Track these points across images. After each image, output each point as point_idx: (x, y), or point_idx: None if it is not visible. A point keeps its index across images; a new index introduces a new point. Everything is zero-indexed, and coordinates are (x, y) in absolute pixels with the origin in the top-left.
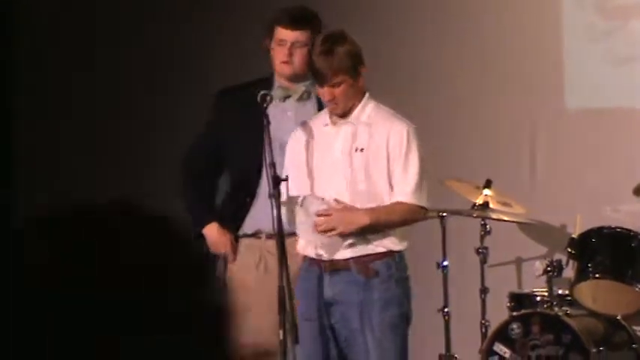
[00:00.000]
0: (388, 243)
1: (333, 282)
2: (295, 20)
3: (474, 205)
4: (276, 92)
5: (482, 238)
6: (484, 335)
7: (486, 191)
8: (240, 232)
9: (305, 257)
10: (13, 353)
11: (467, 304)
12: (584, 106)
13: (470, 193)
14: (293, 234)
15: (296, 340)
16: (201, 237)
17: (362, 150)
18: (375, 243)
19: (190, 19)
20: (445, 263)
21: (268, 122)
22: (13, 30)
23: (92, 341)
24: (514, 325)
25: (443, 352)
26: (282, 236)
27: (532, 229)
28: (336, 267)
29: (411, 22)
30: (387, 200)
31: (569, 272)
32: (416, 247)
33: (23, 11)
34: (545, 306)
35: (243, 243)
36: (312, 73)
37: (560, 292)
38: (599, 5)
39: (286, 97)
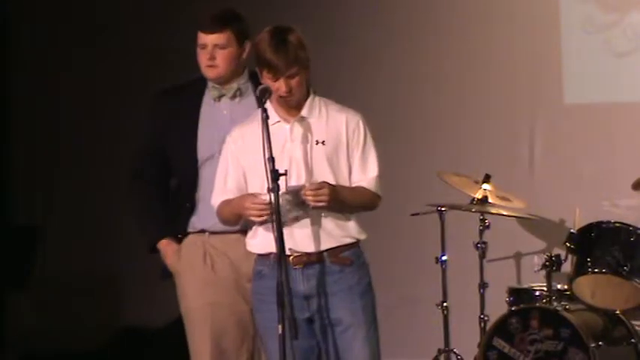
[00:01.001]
0: (354, 233)
1: (306, 276)
2: (214, 23)
3: (473, 199)
4: (211, 92)
5: (481, 232)
6: (483, 330)
7: (485, 186)
8: (185, 232)
9: (264, 255)
10: None
11: (466, 299)
12: (583, 100)
13: (469, 188)
14: (238, 232)
15: (295, 336)
16: (155, 250)
17: (323, 142)
18: (343, 234)
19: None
20: (444, 258)
21: (267, 117)
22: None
23: None
24: (513, 320)
25: (442, 346)
26: (280, 232)
27: (531, 223)
28: (309, 260)
29: (411, 18)
30: None
31: (568, 267)
32: (414, 241)
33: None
34: (544, 301)
35: (187, 240)
36: (264, 68)
37: (559, 286)
38: None
39: (220, 97)
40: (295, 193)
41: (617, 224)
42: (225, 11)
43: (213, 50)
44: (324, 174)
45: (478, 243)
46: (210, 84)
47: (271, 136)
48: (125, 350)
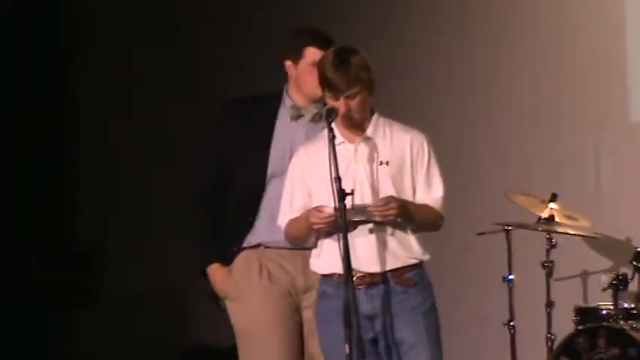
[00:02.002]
0: (418, 254)
1: (370, 296)
2: (328, 40)
3: (540, 218)
4: (289, 111)
5: (547, 251)
6: (550, 349)
7: (552, 205)
8: (240, 247)
9: (328, 276)
10: None
11: (533, 318)
12: None
13: (535, 207)
14: (295, 247)
15: (362, 355)
16: (204, 274)
17: (387, 163)
18: (407, 255)
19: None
20: (511, 277)
21: (334, 136)
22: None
23: None
24: (580, 339)
25: None
26: (347, 251)
27: (597, 242)
28: (373, 281)
29: (479, 36)
30: None
31: (635, 286)
32: (481, 260)
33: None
34: (610, 320)
35: (241, 256)
36: (326, 86)
37: (625, 305)
38: None
39: (298, 117)
40: (361, 211)
41: None
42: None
43: None
44: (388, 194)
45: (545, 262)
46: (288, 102)
47: (336, 157)
48: None
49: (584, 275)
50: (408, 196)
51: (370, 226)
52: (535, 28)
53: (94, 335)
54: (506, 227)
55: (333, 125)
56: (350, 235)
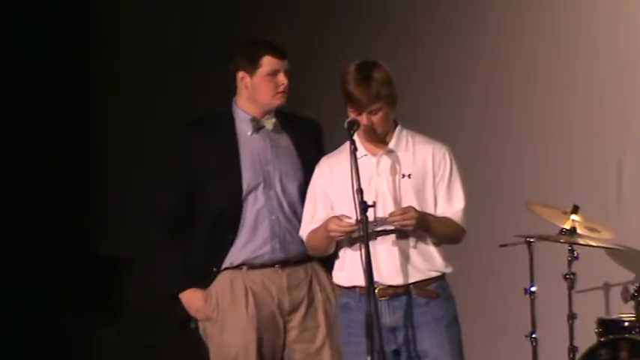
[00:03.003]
0: (440, 267)
1: (392, 308)
2: (282, 48)
3: (562, 230)
4: (251, 124)
5: (569, 263)
6: None
7: (574, 216)
8: (221, 267)
9: (350, 288)
10: None
11: (555, 330)
12: None
13: (557, 219)
14: (277, 263)
15: None
16: (175, 298)
17: (409, 176)
18: (429, 268)
19: None
20: (533, 289)
21: (356, 149)
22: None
23: None
24: (602, 351)
25: None
26: (369, 263)
27: (620, 254)
28: (396, 293)
29: (492, 42)
30: None
31: None
32: (503, 272)
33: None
34: (633, 331)
35: (222, 277)
36: (348, 101)
37: None
38: None
39: (260, 129)
40: (382, 224)
41: None
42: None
43: (287, 76)
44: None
45: (567, 274)
46: (243, 115)
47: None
48: None
49: (606, 287)
50: (430, 208)
51: (393, 238)
52: (559, 41)
53: (114, 345)
54: (528, 239)
55: (355, 137)
56: (372, 248)
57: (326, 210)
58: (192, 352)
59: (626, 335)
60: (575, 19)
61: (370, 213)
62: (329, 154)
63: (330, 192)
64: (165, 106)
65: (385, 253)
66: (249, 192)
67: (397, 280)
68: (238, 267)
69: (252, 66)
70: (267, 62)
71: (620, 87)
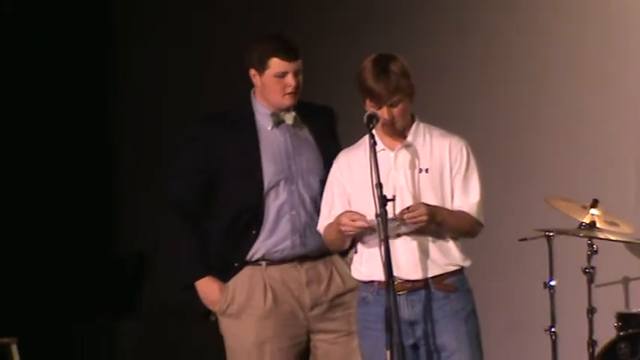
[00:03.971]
0: (459, 260)
1: (410, 302)
2: (293, 50)
3: (581, 224)
4: (271, 119)
5: (589, 257)
6: (591, 355)
7: (593, 211)
8: (242, 262)
9: (369, 282)
10: None
11: (574, 324)
12: None
13: (576, 213)
14: (295, 259)
15: None
16: (191, 287)
17: (427, 170)
18: (447, 262)
19: None
20: (552, 283)
21: (375, 143)
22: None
23: None
24: (622, 345)
25: None
26: (388, 257)
27: (639, 248)
28: (414, 287)
29: (512, 36)
30: None
31: None
32: (523, 266)
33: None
34: None
35: (243, 273)
36: (367, 95)
37: None
38: None
39: (279, 123)
40: (393, 223)
41: None
42: (289, 37)
43: (296, 77)
44: (428, 201)
45: (586, 268)
46: (262, 109)
47: (375, 164)
48: None
49: (626, 281)
50: (447, 202)
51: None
52: (578, 33)
53: (136, 343)
54: (547, 233)
55: (374, 132)
56: (390, 242)
57: (343, 205)
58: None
59: None
60: (599, 17)
61: (389, 207)
62: (347, 149)
63: (349, 186)
64: (185, 104)
65: (403, 247)
66: (271, 188)
67: (416, 274)
68: (257, 262)
69: (260, 67)
70: (275, 64)
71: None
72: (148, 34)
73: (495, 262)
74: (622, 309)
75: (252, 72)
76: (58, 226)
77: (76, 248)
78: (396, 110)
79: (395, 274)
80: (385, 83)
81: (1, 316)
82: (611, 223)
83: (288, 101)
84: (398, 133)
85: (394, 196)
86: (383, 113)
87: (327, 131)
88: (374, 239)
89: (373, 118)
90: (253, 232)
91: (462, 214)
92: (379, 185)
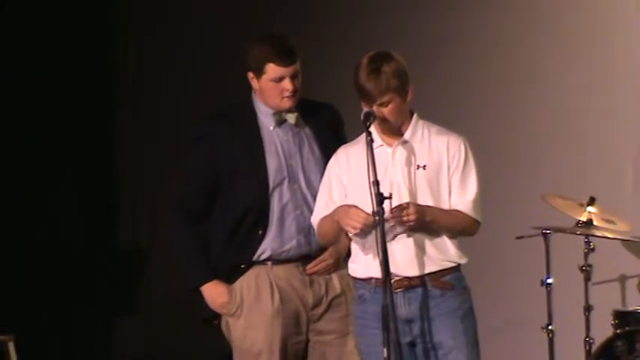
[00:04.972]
0: (455, 257)
1: (407, 300)
2: (290, 55)
3: (578, 222)
4: (273, 118)
5: (586, 255)
6: (588, 353)
7: (590, 208)
8: (249, 263)
9: (365, 280)
10: None
11: (571, 322)
12: None
13: (573, 210)
14: (298, 260)
15: (400, 359)
16: (197, 290)
17: (424, 167)
18: (443, 259)
19: None
20: (549, 281)
21: (372, 140)
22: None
23: None
24: (618, 343)
25: None
26: (385, 255)
27: (636, 246)
28: (411, 284)
29: (509, 35)
30: None
31: None
32: (519, 264)
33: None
34: None
35: (251, 272)
36: (359, 93)
37: None
38: None
39: (282, 122)
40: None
41: None
42: (289, 39)
43: (293, 81)
44: (425, 198)
45: (583, 266)
46: (264, 109)
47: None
48: None
49: (623, 279)
50: (444, 199)
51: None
52: (577, 32)
53: (134, 340)
54: (544, 231)
55: (372, 129)
56: (387, 239)
57: (340, 198)
58: (213, 345)
59: None
60: (591, 18)
61: (386, 205)
62: (346, 144)
63: (346, 181)
64: (186, 103)
65: (400, 244)
66: (275, 187)
67: (412, 271)
68: (263, 262)
69: (257, 71)
70: (271, 70)
71: (637, 79)
72: (150, 33)
73: (492, 259)
74: (619, 307)
75: (251, 75)
76: (57, 223)
77: (74, 246)
78: (386, 110)
79: (391, 270)
80: (376, 83)
81: None
82: (608, 221)
83: (286, 104)
84: (396, 129)
85: (391, 194)
86: (374, 111)
87: (328, 129)
88: (370, 237)
89: (370, 116)
90: (259, 232)
91: (454, 213)
92: (376, 182)
